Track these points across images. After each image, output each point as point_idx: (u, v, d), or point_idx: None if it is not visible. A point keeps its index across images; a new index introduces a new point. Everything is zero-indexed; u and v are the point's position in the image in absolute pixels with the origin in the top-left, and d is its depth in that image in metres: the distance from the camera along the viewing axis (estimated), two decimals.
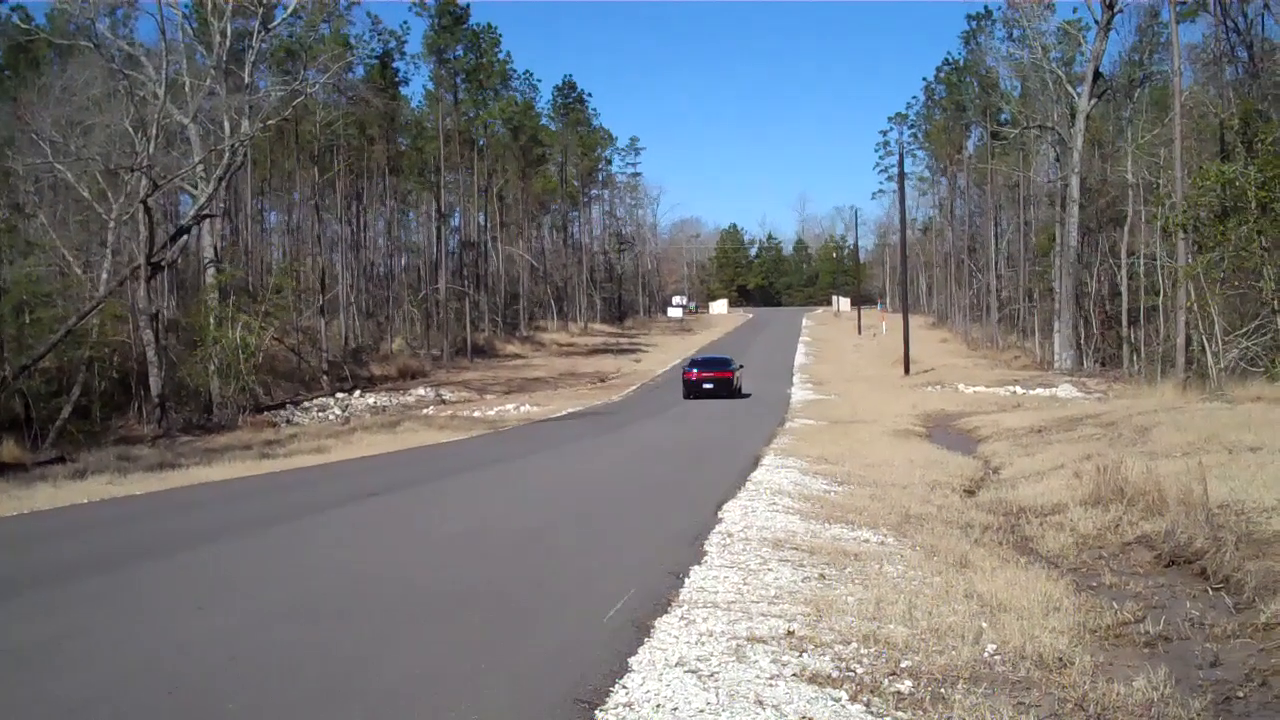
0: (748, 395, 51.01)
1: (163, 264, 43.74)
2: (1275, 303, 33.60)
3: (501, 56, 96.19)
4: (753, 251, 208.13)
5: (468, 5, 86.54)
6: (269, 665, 7.02)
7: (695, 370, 51.05)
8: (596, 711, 5.99)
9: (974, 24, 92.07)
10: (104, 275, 40.76)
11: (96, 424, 38.70)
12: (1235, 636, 8.46)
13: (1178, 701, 6.71)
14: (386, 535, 12.81)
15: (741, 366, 54.12)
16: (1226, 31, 44.11)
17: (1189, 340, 37.55)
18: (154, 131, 41.22)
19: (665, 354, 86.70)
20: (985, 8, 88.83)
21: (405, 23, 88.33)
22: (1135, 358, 53.74)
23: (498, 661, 7.04)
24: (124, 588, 9.76)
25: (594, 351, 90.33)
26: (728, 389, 49.64)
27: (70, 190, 42.84)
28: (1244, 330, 34.99)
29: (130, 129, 41.42)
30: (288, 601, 8.92)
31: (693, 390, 49.58)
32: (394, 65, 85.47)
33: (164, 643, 7.59)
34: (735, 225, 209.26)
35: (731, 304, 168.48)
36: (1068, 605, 9.23)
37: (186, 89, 45.75)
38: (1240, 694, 7.20)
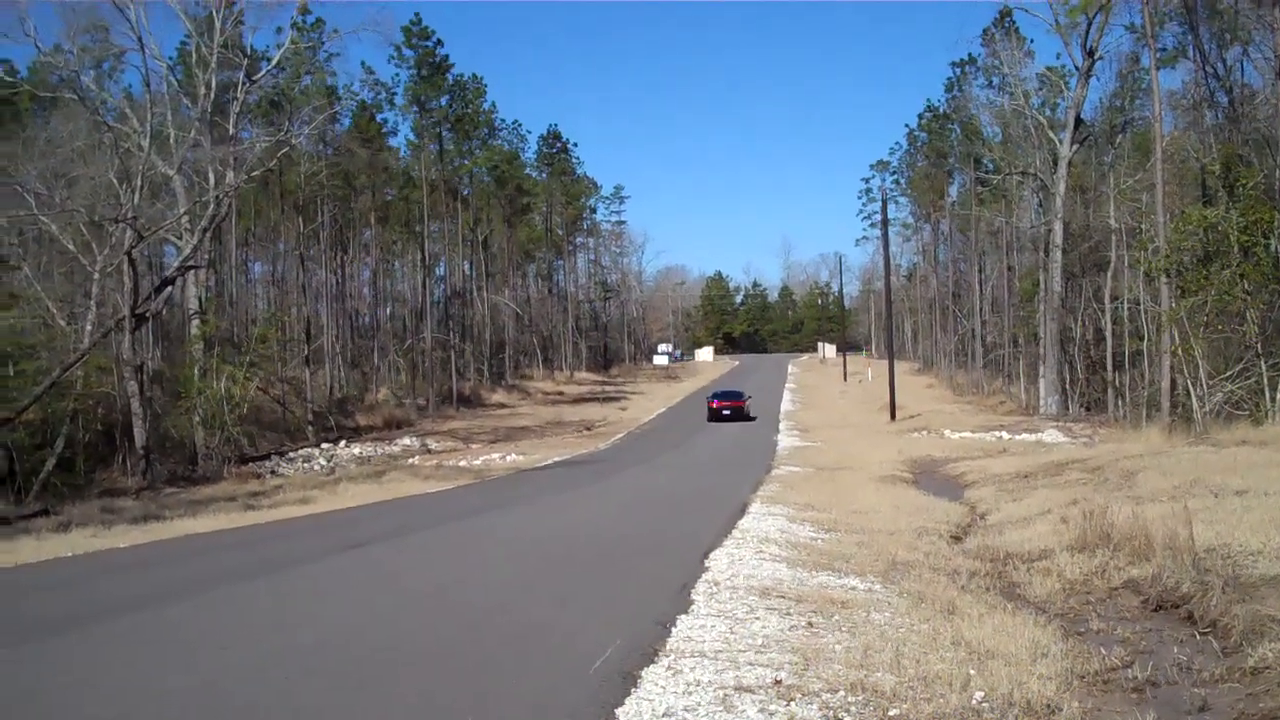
0: (754, 418, 65.86)
1: (147, 315, 43.67)
2: (1259, 346, 33.74)
3: (487, 106, 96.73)
4: (738, 299, 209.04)
5: (447, 55, 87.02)
6: (253, 717, 6.95)
7: (716, 401, 67.32)
8: None
9: (958, 70, 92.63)
10: (88, 327, 40.61)
11: (81, 476, 38.46)
12: (1223, 681, 8.43)
13: None
14: (370, 588, 12.68)
15: (750, 396, 70.61)
16: (1206, 78, 44.45)
17: (1174, 384, 37.61)
18: (139, 183, 41.30)
19: (651, 402, 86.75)
20: (969, 54, 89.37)
21: (397, 74, 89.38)
22: (1120, 402, 53.83)
23: (482, 716, 6.99)
24: (104, 641, 9.65)
25: (580, 400, 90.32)
26: (742, 414, 65.88)
27: (54, 242, 42.76)
28: (1228, 374, 35.09)
29: (115, 180, 41.48)
30: (267, 655, 8.82)
31: (714, 416, 65.49)
32: (382, 116, 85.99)
33: (141, 698, 7.51)
34: (720, 272, 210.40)
35: (717, 351, 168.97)
36: (1055, 651, 9.19)
37: (171, 140, 45.81)
38: None
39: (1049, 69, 65.16)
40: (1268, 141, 38.49)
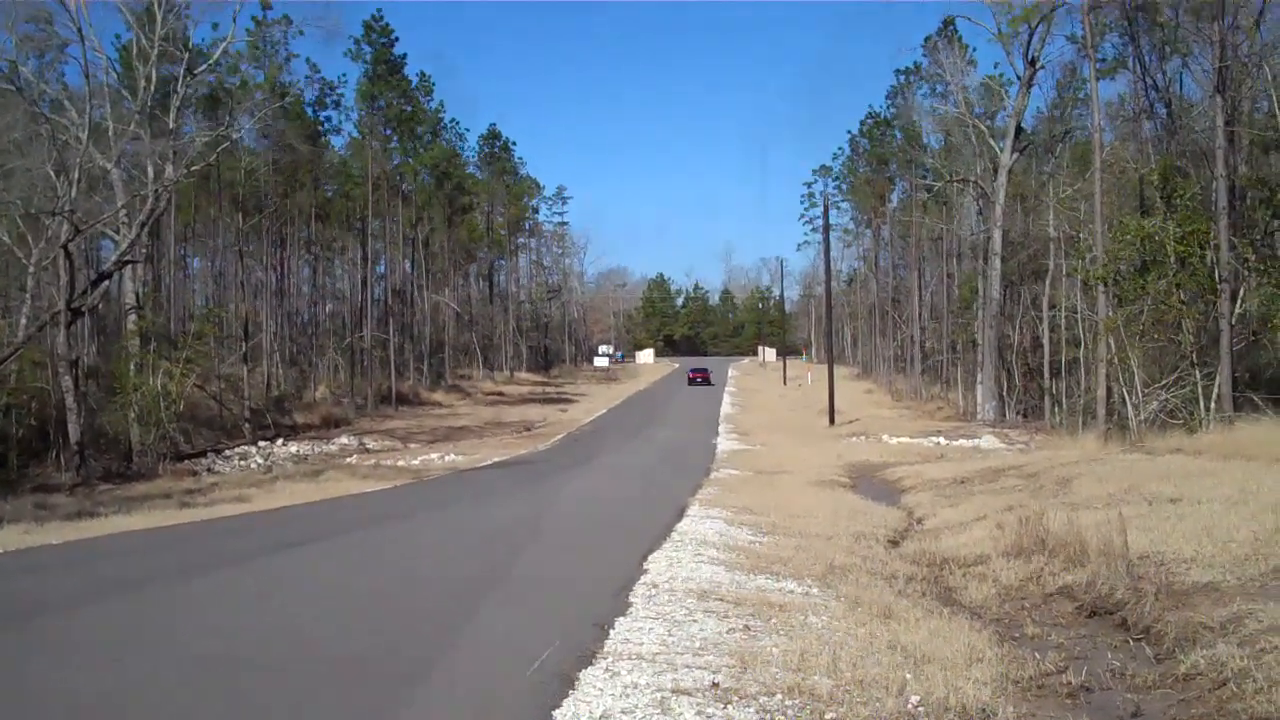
0: (714, 385, 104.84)
1: (83, 310, 43.25)
2: (1194, 356, 34.09)
3: (433, 105, 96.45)
4: (679, 301, 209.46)
5: (404, 55, 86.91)
6: None
7: (692, 373, 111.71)
8: None
9: (903, 78, 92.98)
10: (23, 320, 40.16)
11: (13, 472, 38.01)
12: (1156, 687, 8.51)
13: None
14: (303, 589, 12.58)
15: (712, 371, 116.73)
16: (1146, 89, 44.88)
17: (1110, 392, 37.92)
18: (76, 176, 40.84)
19: (592, 403, 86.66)
20: (915, 63, 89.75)
21: (343, 74, 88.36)
22: (1057, 409, 54.21)
23: (420, 717, 6.95)
24: (33, 641, 9.52)
25: (520, 400, 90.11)
26: (708, 382, 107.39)
27: None
28: (1164, 383, 35.42)
29: (52, 173, 41.01)
30: (193, 659, 8.71)
31: (691, 382, 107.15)
32: (325, 114, 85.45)
33: (67, 699, 7.42)
34: (662, 275, 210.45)
35: (658, 354, 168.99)
36: (991, 656, 9.25)
37: (110, 133, 45.32)
38: None
39: (989, 78, 65.70)
40: (1205, 154, 38.89)
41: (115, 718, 6.96)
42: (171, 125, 48.40)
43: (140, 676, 8.02)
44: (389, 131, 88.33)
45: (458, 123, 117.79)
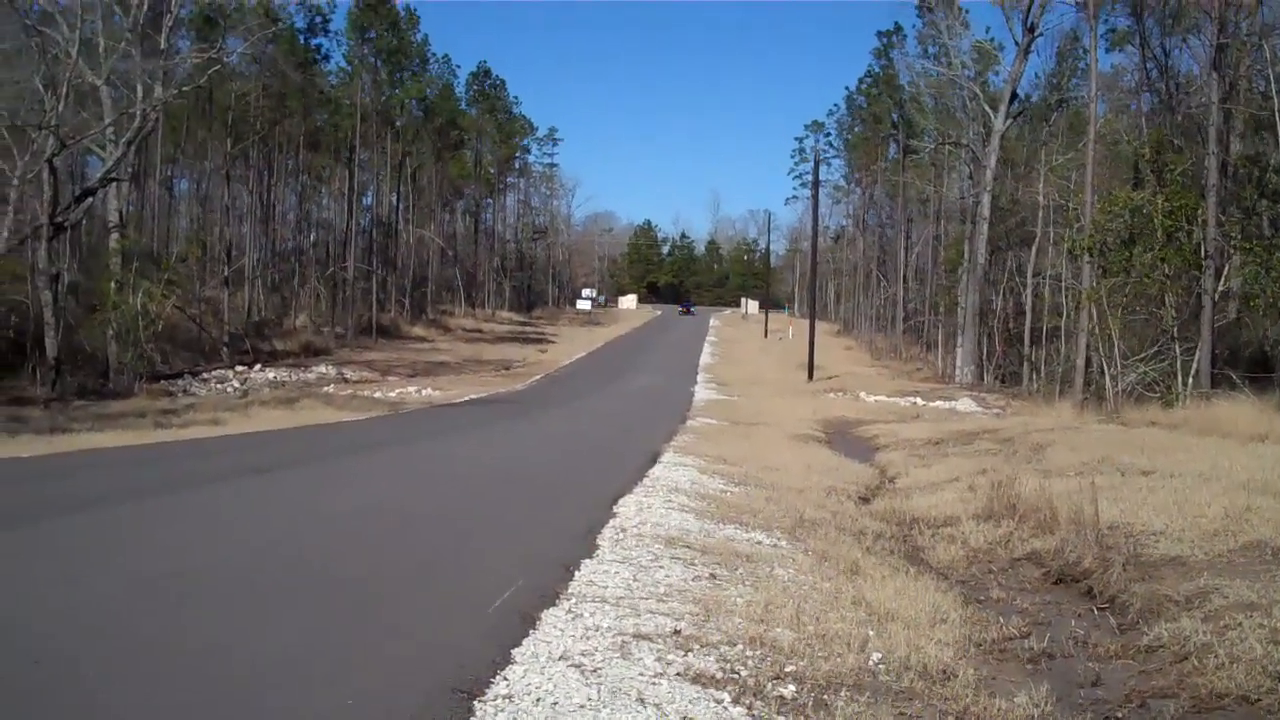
0: (698, 321, 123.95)
1: (66, 225, 43.01)
2: (1175, 330, 34.12)
3: (419, 39, 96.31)
4: (665, 249, 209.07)
5: None
6: (133, 641, 6.80)
7: (683, 308, 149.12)
8: (475, 702, 5.86)
9: (885, 40, 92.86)
10: (4, 233, 39.88)
11: None
12: (1118, 657, 8.50)
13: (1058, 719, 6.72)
14: (271, 513, 12.52)
15: (697, 309, 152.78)
16: (1145, 62, 44.80)
17: (1089, 362, 38.01)
18: (65, 90, 40.49)
19: (571, 345, 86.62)
20: (895, 24, 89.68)
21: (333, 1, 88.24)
22: (1035, 376, 54.34)
23: (375, 647, 6.90)
24: None
25: (500, 339, 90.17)
26: (691, 313, 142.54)
27: None
28: (1143, 355, 35.49)
29: (40, 87, 40.66)
30: (159, 576, 8.63)
31: (682, 313, 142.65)
32: (317, 41, 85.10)
33: (25, 614, 7.36)
34: (649, 222, 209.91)
35: (641, 300, 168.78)
36: (955, 617, 9.23)
37: (101, 50, 44.88)
38: (1119, 715, 7.22)
39: (979, 42, 65.50)
40: (1200, 130, 38.86)
41: (63, 633, 6.90)
42: (163, 45, 47.95)
43: (93, 594, 7.95)
44: (378, 63, 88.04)
45: (450, 58, 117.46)
